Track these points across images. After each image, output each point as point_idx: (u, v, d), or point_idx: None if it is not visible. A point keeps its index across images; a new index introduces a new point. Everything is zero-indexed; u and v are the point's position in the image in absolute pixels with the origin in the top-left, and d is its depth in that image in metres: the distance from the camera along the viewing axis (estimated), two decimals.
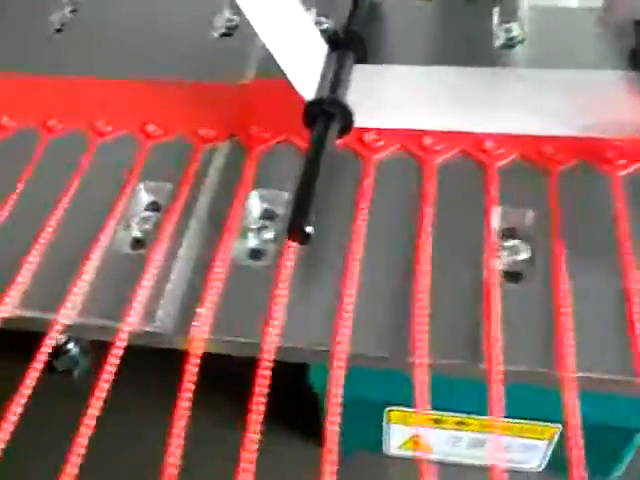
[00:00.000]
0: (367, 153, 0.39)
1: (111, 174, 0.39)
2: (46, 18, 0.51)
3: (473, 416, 0.51)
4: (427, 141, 0.39)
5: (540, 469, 0.58)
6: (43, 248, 0.35)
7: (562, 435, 0.52)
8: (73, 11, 0.52)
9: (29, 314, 0.33)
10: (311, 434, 0.59)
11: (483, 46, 0.46)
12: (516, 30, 0.46)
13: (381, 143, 0.39)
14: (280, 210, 0.37)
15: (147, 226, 0.37)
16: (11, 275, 0.34)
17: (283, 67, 0.37)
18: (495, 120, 0.39)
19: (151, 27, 0.49)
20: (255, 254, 0.36)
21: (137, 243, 0.36)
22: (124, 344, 0.31)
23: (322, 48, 0.41)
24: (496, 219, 0.36)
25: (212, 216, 0.37)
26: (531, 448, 0.55)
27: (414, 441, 0.56)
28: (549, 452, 0.55)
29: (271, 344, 0.30)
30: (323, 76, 0.39)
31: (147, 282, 0.33)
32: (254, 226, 0.36)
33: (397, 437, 0.56)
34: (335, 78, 0.39)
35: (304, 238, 0.31)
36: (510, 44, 0.45)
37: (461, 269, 0.33)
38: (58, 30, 0.50)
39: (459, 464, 0.58)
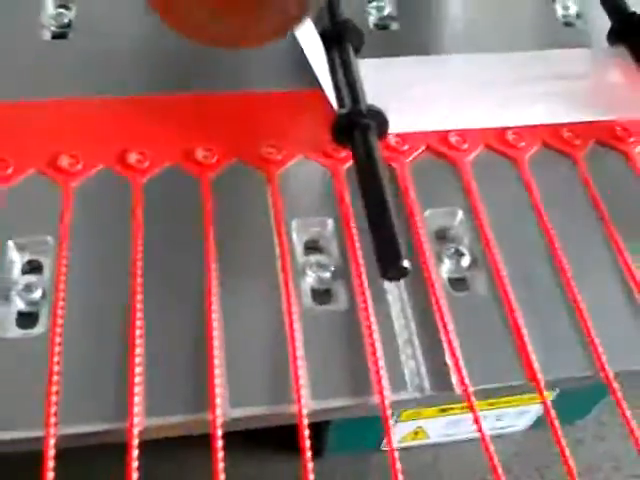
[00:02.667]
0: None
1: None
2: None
3: None
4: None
5: (526, 428, 0.60)
6: None
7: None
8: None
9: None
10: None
11: None
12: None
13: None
14: None
15: (326, 274, 0.32)
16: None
17: (318, 75, 0.33)
18: (512, 112, 0.38)
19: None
20: None
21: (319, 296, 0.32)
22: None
23: (321, 48, 0.37)
24: None
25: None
26: (524, 413, 0.57)
27: (415, 432, 0.56)
28: (539, 413, 0.57)
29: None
30: (336, 80, 0.35)
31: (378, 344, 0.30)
32: None
33: (400, 432, 0.55)
34: (351, 81, 0.35)
35: (403, 274, 0.28)
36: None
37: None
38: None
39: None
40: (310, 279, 0.32)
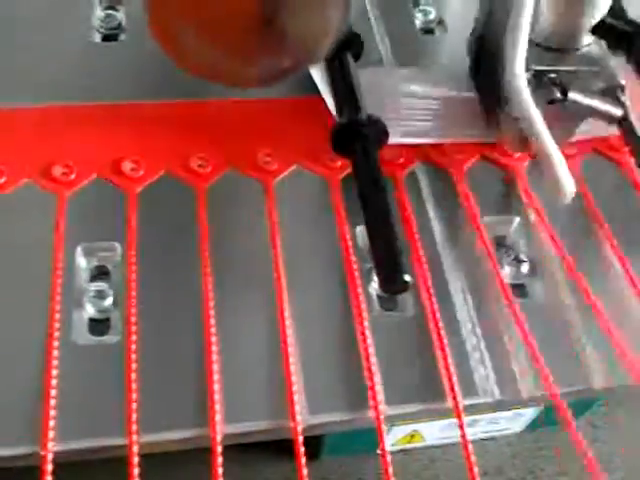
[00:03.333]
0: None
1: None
2: None
3: None
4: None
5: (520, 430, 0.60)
6: None
7: None
8: None
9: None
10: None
11: None
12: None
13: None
14: None
15: None
16: None
17: (318, 84, 0.33)
18: None
19: None
20: None
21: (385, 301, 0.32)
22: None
23: None
24: None
25: None
26: (518, 416, 0.57)
27: (411, 435, 0.56)
28: (534, 416, 0.57)
29: None
30: (336, 88, 0.35)
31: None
32: None
33: (395, 436, 0.55)
34: (351, 90, 0.34)
35: (404, 288, 0.28)
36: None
37: None
38: None
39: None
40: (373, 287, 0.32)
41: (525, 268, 0.34)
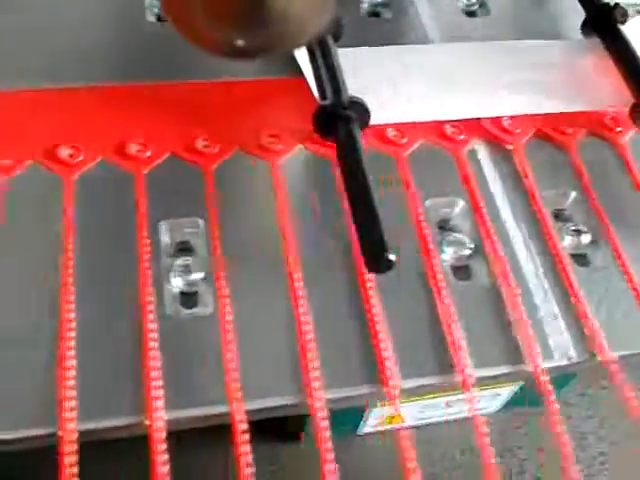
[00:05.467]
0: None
1: None
2: None
3: None
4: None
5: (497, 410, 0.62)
6: None
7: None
8: None
9: None
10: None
11: None
12: None
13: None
14: None
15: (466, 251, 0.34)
16: None
17: (302, 66, 0.34)
18: (499, 103, 0.39)
19: None
20: None
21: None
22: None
23: None
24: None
25: None
26: (495, 396, 0.58)
27: (391, 416, 0.57)
28: (510, 396, 0.59)
29: None
30: (317, 71, 0.36)
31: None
32: None
33: (375, 418, 0.56)
34: (332, 72, 0.35)
35: (389, 267, 0.28)
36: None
37: None
38: None
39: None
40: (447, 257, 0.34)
41: (586, 239, 0.35)
